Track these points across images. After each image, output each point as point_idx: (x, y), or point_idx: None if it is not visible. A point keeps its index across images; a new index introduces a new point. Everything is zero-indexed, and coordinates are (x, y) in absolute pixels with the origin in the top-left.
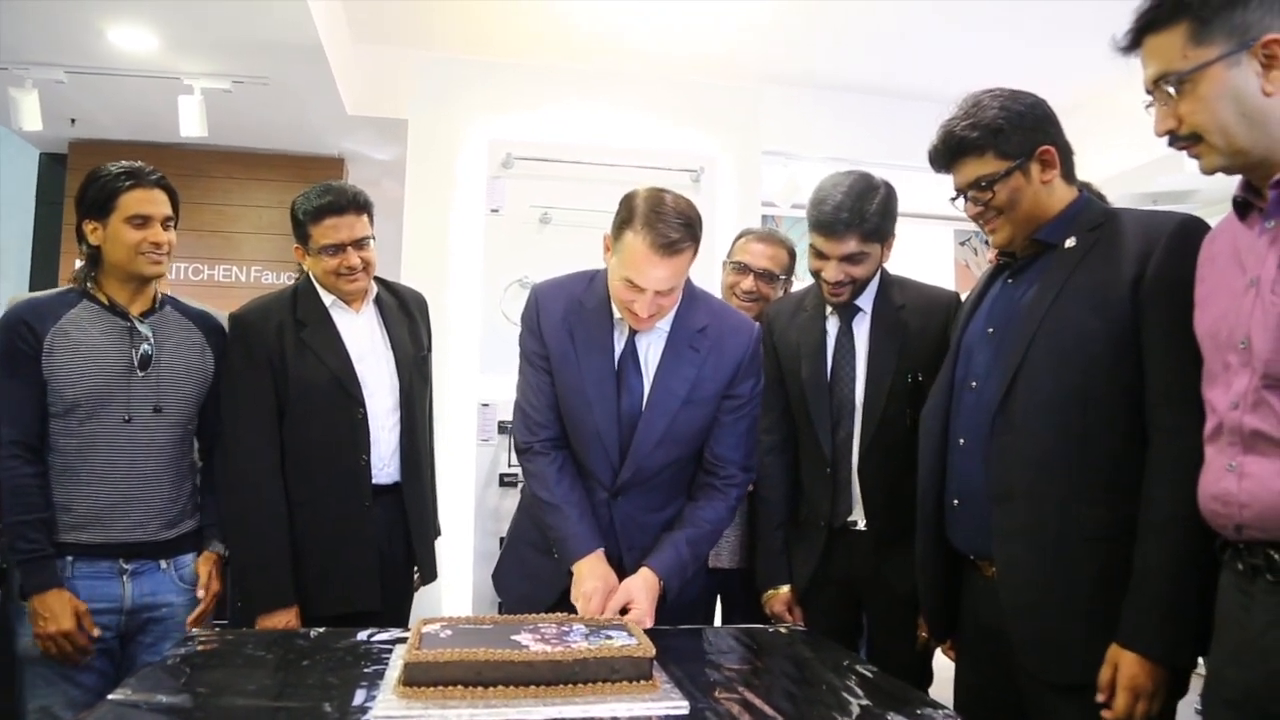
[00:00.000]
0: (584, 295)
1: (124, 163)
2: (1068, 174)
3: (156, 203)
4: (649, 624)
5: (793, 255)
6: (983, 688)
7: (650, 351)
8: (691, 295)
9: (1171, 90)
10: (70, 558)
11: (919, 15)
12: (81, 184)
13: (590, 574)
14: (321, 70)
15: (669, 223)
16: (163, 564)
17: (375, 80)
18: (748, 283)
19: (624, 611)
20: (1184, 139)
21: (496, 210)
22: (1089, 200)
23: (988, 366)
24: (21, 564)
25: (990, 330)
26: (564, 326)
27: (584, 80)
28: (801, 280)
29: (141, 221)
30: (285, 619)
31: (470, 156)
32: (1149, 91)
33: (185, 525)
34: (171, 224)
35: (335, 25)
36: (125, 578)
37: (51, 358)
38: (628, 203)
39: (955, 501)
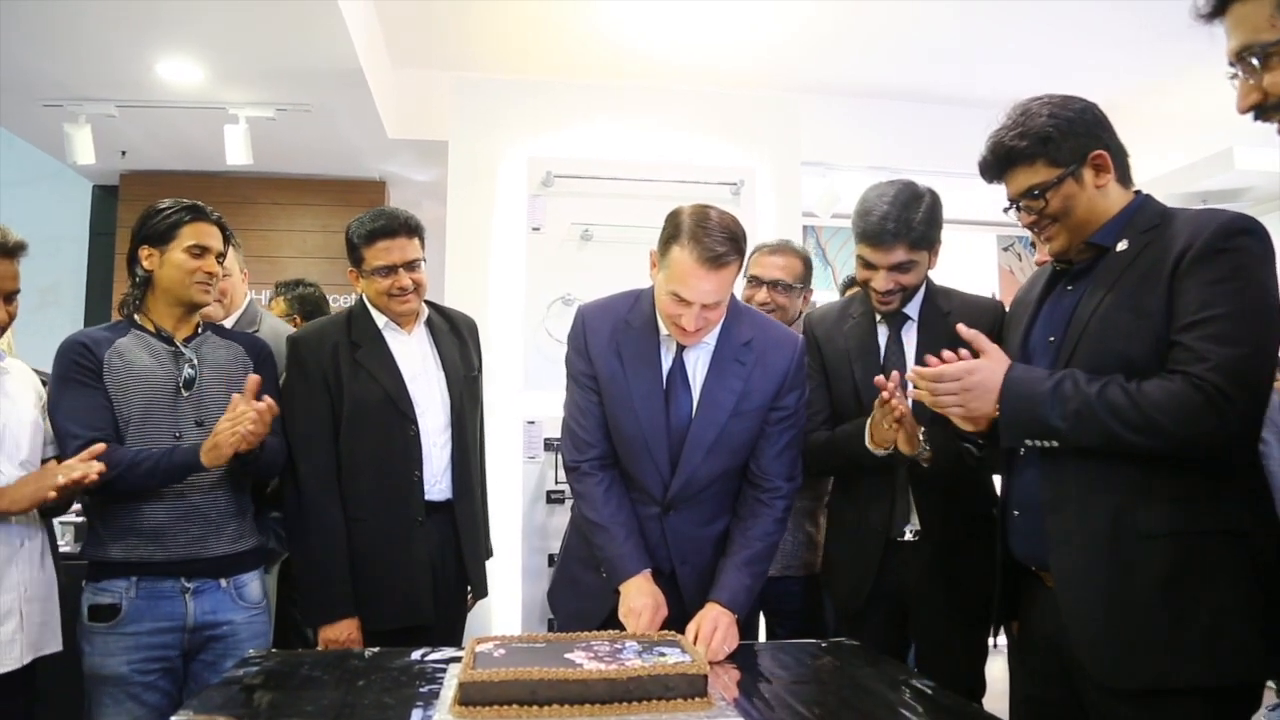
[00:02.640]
0: (630, 315)
1: (184, 200)
2: (1123, 177)
3: (214, 237)
4: (733, 643)
5: (807, 263)
6: (1043, 700)
7: (698, 366)
8: (736, 310)
9: (1256, 62)
10: (135, 577)
11: (954, 21)
12: (142, 215)
13: (638, 592)
14: (362, 96)
15: (715, 237)
16: (223, 582)
17: (415, 103)
18: (762, 294)
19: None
20: (1273, 107)
21: (538, 228)
22: (1146, 201)
23: None
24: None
25: (1051, 339)
26: (611, 347)
27: (622, 97)
28: (823, 288)
29: (200, 251)
30: (346, 630)
31: (510, 176)
32: (1231, 64)
33: (244, 543)
34: (222, 259)
35: (375, 51)
36: (187, 596)
37: (110, 375)
38: (673, 219)
39: (1016, 512)
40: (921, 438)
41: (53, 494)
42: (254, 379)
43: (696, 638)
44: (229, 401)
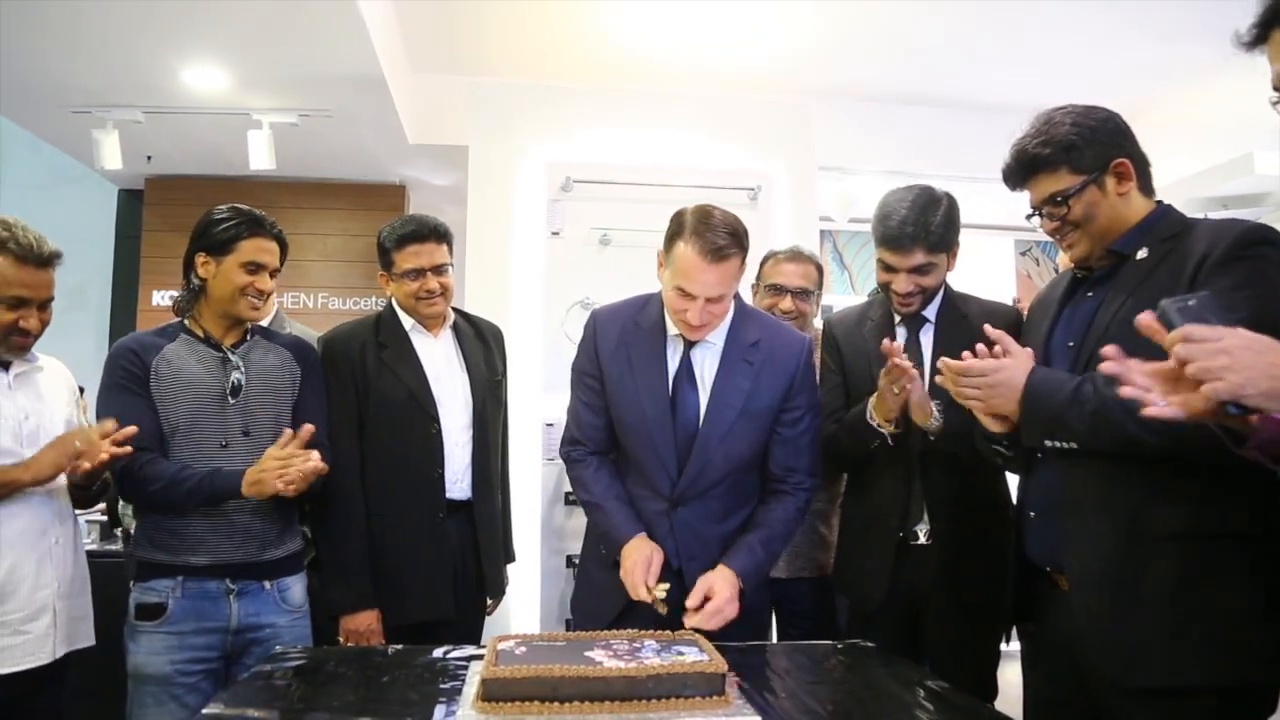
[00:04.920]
0: (639, 317)
1: (245, 207)
2: (1145, 186)
3: (271, 253)
4: (732, 614)
5: (820, 269)
6: (1057, 701)
7: (706, 366)
8: (743, 312)
9: None
10: (180, 577)
11: (970, 25)
12: (202, 221)
13: (634, 550)
14: (383, 101)
15: (716, 231)
16: (266, 585)
17: (435, 109)
18: (787, 303)
19: (703, 604)
20: None
21: (557, 233)
22: (1168, 211)
23: None
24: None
25: (1070, 344)
26: (620, 349)
27: (640, 102)
28: (832, 292)
29: (255, 268)
30: (366, 621)
31: (529, 180)
32: (1276, 88)
33: (287, 547)
34: (277, 274)
35: (396, 57)
36: (232, 598)
37: (157, 383)
38: (677, 218)
39: (1032, 513)
40: (935, 409)
41: (76, 461)
42: (308, 429)
43: (704, 601)
44: (275, 409)
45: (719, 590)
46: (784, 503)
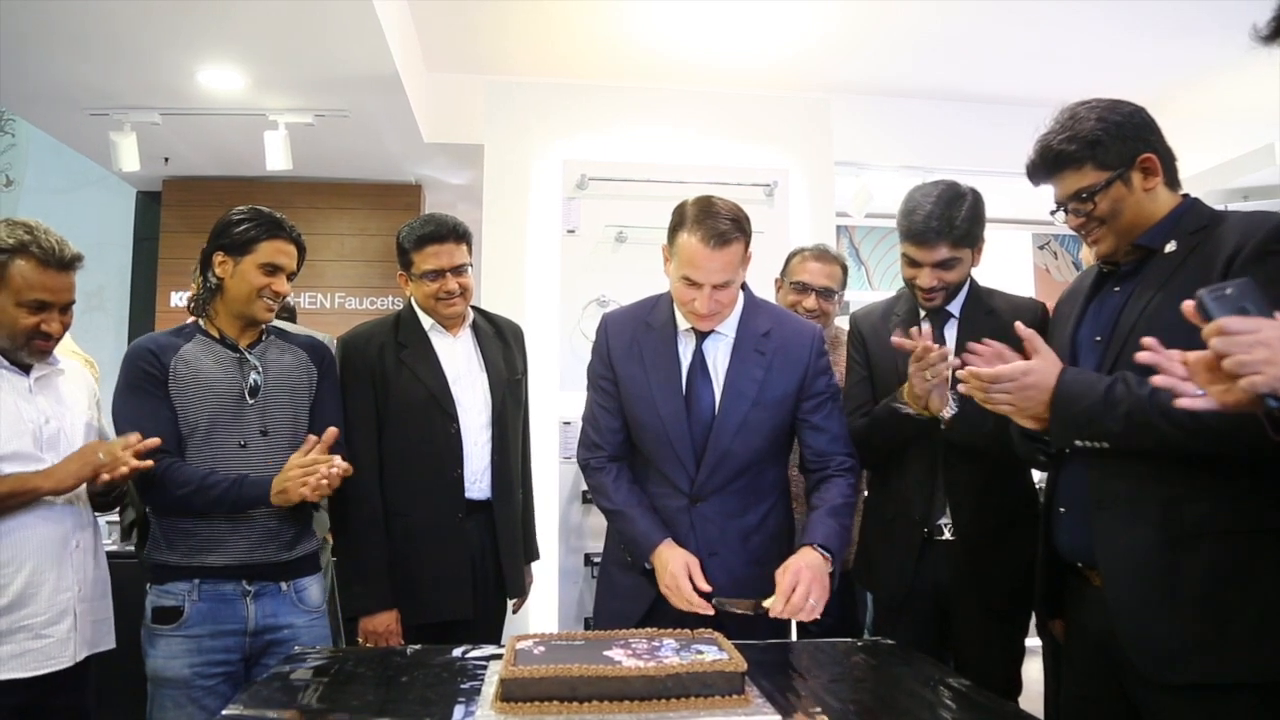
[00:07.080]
0: (649, 317)
1: (265, 209)
2: (1171, 181)
3: (289, 255)
4: (817, 614)
5: (845, 269)
6: (1089, 699)
7: (719, 359)
8: (753, 303)
9: None
10: (197, 580)
11: (986, 19)
12: (222, 220)
13: (669, 559)
14: (399, 101)
15: (718, 218)
16: (283, 586)
17: (450, 108)
18: (810, 301)
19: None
20: None
21: (572, 231)
22: (1195, 204)
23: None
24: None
25: (1098, 339)
26: (633, 349)
27: (655, 99)
28: (849, 287)
29: (273, 270)
30: (385, 622)
31: (545, 179)
32: None
33: (304, 547)
34: (293, 277)
35: (411, 57)
36: (249, 599)
37: (175, 383)
38: (679, 210)
39: (1062, 509)
40: (951, 398)
41: (101, 473)
42: (331, 433)
43: (791, 594)
44: (294, 409)
45: (785, 585)
46: (834, 483)
